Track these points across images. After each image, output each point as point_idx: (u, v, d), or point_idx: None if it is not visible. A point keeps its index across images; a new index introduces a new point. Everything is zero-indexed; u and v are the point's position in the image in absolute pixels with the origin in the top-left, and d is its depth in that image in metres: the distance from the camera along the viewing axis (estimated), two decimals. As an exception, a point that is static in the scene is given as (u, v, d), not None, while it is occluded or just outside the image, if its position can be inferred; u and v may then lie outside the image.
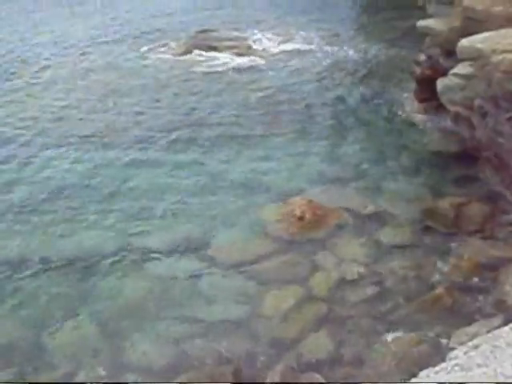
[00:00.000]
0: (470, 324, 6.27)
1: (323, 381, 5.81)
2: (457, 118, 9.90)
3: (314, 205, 8.48)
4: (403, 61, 13.70)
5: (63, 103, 12.64)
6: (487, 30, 9.11)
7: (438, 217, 8.21)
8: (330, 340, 6.35)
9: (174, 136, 10.96)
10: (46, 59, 15.55)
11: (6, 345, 6.50)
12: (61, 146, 10.69)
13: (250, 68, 14.51)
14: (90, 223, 8.48)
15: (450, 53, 9.96)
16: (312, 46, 15.76)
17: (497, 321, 6.14)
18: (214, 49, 15.76)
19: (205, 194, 9.16)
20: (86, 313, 6.89)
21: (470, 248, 7.61)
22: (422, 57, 11.37)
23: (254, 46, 16.00)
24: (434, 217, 8.24)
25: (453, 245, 7.71)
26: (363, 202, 8.74)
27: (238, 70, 14.44)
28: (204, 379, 5.86)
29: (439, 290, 6.85)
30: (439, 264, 7.38)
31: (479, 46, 8.75)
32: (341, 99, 12.54)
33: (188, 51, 15.75)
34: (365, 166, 9.87)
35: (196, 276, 7.43)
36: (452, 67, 9.66)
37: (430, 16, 11.11)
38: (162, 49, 16.11)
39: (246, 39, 16.48)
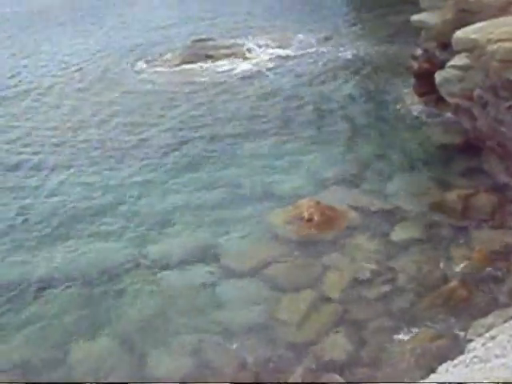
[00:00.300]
0: (486, 315, 6.28)
1: (343, 381, 5.84)
2: (457, 109, 9.94)
3: (322, 206, 8.53)
4: (400, 56, 13.74)
5: (67, 125, 12.58)
6: (481, 20, 9.15)
7: (446, 210, 8.24)
8: (348, 340, 6.39)
9: (181, 152, 10.93)
10: (43, 77, 15.55)
11: (28, 362, 6.59)
12: (71, 167, 10.72)
13: (249, 75, 14.53)
14: (105, 240, 8.57)
15: (446, 45, 10.01)
16: (309, 49, 15.79)
17: (512, 310, 6.16)
18: (211, 57, 15.80)
19: (215, 202, 9.22)
20: (106, 327, 6.97)
21: (481, 238, 7.64)
22: (419, 51, 11.41)
23: (252, 53, 16.02)
24: (442, 210, 8.27)
25: (463, 236, 7.75)
26: (371, 200, 8.78)
27: (237, 77, 14.48)
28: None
29: (453, 283, 6.88)
30: (451, 257, 7.42)
31: (474, 36, 8.78)
32: (341, 100, 12.57)
33: (184, 62, 15.75)
34: (369, 163, 9.92)
35: (211, 284, 7.51)
36: (448, 59, 9.71)
37: (424, 10, 11.14)
38: (159, 61, 16.12)
39: (242, 46, 16.50)
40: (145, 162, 10.66)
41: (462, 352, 5.31)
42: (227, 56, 15.78)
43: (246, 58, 15.61)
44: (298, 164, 10.11)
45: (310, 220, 8.32)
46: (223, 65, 15.35)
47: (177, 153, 10.89)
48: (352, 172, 9.73)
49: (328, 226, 8.28)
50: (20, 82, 15.46)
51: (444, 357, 5.55)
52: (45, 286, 7.71)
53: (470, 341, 5.65)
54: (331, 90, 13.14)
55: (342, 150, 10.56)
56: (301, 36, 16.79)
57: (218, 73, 14.90)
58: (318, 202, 8.59)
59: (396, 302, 6.84)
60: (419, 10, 11.21)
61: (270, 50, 16.10)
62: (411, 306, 6.78)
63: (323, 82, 13.60)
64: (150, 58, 16.34)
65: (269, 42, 16.68)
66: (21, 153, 11.49)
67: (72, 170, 10.63)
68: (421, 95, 11.41)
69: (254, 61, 15.44)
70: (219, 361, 6.37)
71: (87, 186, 10.06)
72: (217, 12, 20.25)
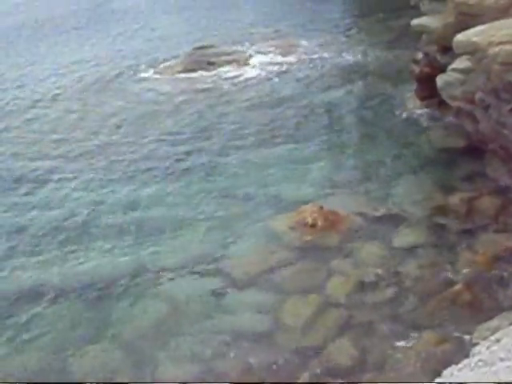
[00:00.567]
0: (490, 318, 6.27)
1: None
2: (459, 112, 9.93)
3: (326, 211, 8.54)
4: (401, 60, 13.76)
5: (71, 135, 12.55)
6: (482, 23, 9.16)
7: (449, 213, 8.24)
8: (353, 345, 6.39)
9: (186, 160, 10.91)
10: (46, 87, 15.60)
11: (31, 371, 6.60)
12: (75, 179, 10.74)
13: (252, 81, 14.53)
14: (105, 249, 8.60)
15: (447, 49, 10.02)
16: (311, 55, 15.83)
17: (517, 313, 6.15)
18: (214, 64, 15.86)
19: (217, 210, 9.24)
20: (108, 336, 6.99)
21: (485, 242, 7.63)
22: (420, 55, 11.43)
23: (254, 59, 16.08)
24: (445, 213, 8.27)
25: (467, 240, 7.74)
26: (374, 204, 8.78)
27: (240, 84, 14.49)
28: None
29: (458, 287, 6.87)
30: (455, 260, 7.41)
31: (475, 39, 8.79)
32: (343, 105, 12.60)
33: (187, 69, 15.78)
34: (372, 168, 9.92)
35: (215, 291, 7.52)
36: (450, 63, 9.71)
37: (424, 14, 11.17)
38: (162, 69, 16.21)
39: (245, 53, 16.56)
40: (151, 173, 10.65)
41: (466, 356, 5.30)
42: (229, 63, 15.81)
43: (248, 65, 15.66)
44: (301, 170, 10.12)
45: (313, 225, 8.33)
46: (226, 71, 15.37)
47: (182, 162, 10.90)
48: (355, 177, 9.74)
49: (332, 231, 8.30)
50: (24, 92, 15.52)
51: (449, 361, 5.54)
52: (55, 294, 7.75)
53: (475, 344, 5.65)
54: (333, 95, 13.16)
55: (344, 155, 10.58)
56: (303, 42, 16.82)
57: (221, 79, 14.93)
58: (321, 207, 8.60)
59: (400, 306, 6.84)
60: (420, 14, 11.24)
61: (272, 57, 16.13)
62: (416, 309, 6.77)
63: (325, 88, 13.62)
64: (152, 66, 16.40)
65: (271, 48, 16.71)
66: (25, 165, 11.50)
67: (77, 182, 10.65)
68: (422, 99, 11.43)
69: (256, 67, 15.46)
70: (224, 366, 6.37)
71: (92, 197, 10.08)
72: (219, 19, 20.33)
